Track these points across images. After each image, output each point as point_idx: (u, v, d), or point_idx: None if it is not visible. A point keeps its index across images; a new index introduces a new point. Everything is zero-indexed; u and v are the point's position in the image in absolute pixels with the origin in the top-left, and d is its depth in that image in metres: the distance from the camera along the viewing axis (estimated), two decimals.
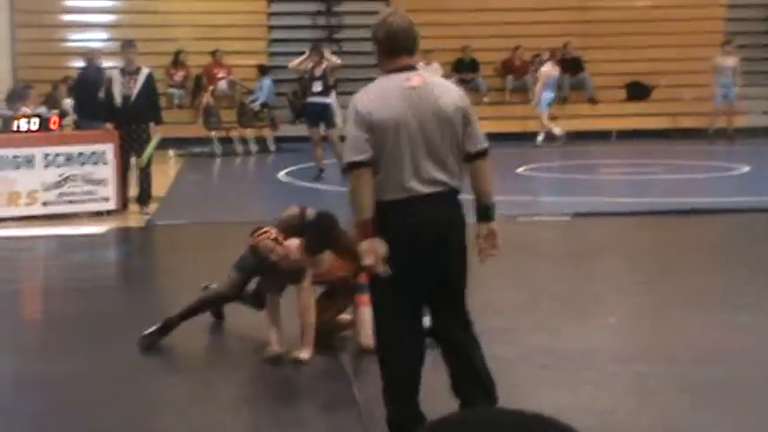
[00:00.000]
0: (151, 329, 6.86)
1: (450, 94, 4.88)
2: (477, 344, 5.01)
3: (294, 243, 6.63)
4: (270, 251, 6.59)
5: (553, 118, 21.51)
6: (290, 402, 5.89)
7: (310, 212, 6.88)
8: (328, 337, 6.87)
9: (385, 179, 4.72)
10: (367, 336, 6.52)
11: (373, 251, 4.69)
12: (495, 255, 5.00)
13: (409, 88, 4.77)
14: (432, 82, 4.93)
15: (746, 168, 16.76)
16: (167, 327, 6.90)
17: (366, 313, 6.58)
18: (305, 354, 6.48)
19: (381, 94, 4.76)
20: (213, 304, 7.24)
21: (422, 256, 4.78)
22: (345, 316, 7.01)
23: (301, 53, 16.98)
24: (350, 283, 6.74)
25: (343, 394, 5.86)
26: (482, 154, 4.91)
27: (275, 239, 6.62)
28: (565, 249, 10.40)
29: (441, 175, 4.77)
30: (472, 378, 4.97)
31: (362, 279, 6.55)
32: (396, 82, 4.79)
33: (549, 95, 21.31)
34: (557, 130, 21.18)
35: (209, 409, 5.75)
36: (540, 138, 21.27)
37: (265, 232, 6.66)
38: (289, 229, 6.76)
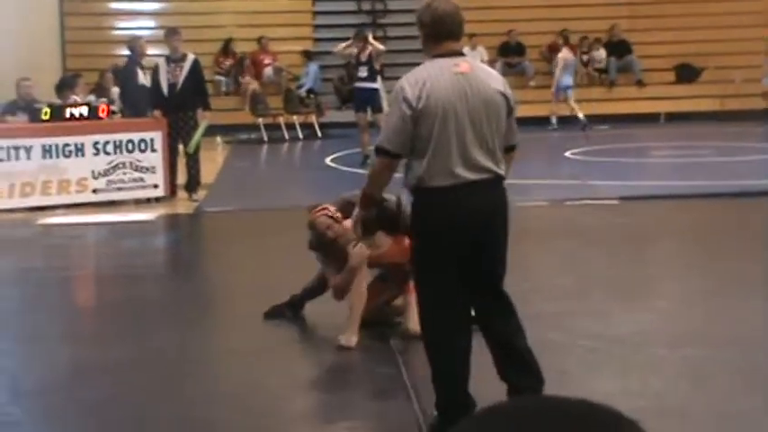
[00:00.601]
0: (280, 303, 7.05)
1: (495, 80, 4.88)
2: (519, 328, 5.01)
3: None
4: (327, 228, 6.54)
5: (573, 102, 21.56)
6: (340, 387, 5.90)
7: None
8: (381, 322, 6.86)
9: (433, 165, 4.71)
10: (416, 322, 6.51)
11: (360, 222, 5.11)
12: None
13: (458, 74, 4.76)
14: (478, 68, 4.93)
15: None
16: (293, 304, 7.06)
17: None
18: (345, 339, 6.45)
19: (429, 80, 4.74)
20: (317, 287, 7.09)
21: (468, 243, 4.78)
22: (399, 302, 7.00)
23: (346, 39, 16.97)
24: (403, 270, 6.71)
25: (393, 379, 5.86)
26: (514, 147, 4.99)
27: (333, 217, 6.59)
28: (613, 233, 10.32)
29: (488, 162, 4.77)
30: (517, 363, 4.97)
31: None
32: (443, 67, 4.77)
33: (567, 80, 21.32)
34: (553, 118, 21.47)
35: (260, 396, 5.78)
36: (554, 120, 21.36)
37: (324, 209, 6.63)
38: (347, 207, 6.73)
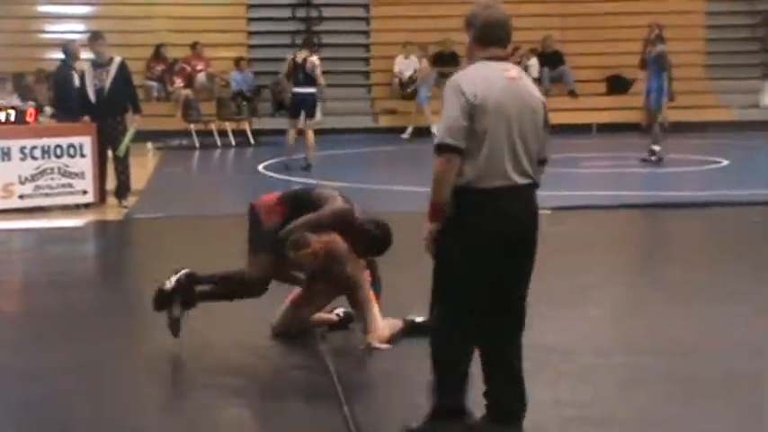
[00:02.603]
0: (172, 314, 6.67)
1: (537, 91, 4.96)
2: (520, 349, 5.03)
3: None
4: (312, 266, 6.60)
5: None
6: (271, 395, 5.89)
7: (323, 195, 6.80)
8: (309, 332, 6.86)
9: (486, 165, 4.73)
10: (377, 336, 6.50)
11: (432, 238, 4.79)
12: None
13: (509, 79, 4.84)
14: (524, 76, 4.99)
15: (725, 162, 16.86)
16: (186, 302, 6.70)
17: (377, 310, 6.57)
18: (377, 339, 6.52)
19: (484, 78, 4.80)
20: (238, 293, 6.77)
21: (506, 252, 4.80)
22: (324, 315, 6.98)
23: (281, 45, 16.99)
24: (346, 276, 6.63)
25: (324, 386, 5.86)
26: (545, 162, 5.02)
27: (315, 253, 6.56)
28: (545, 243, 10.35)
29: (530, 169, 4.85)
30: (511, 385, 4.96)
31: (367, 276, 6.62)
32: (496, 71, 4.84)
33: (426, 92, 22.00)
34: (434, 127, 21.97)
35: (190, 403, 5.74)
36: (409, 131, 21.91)
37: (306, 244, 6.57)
38: (295, 203, 6.71)
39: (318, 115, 17.29)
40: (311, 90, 16.42)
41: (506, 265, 4.83)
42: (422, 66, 22.36)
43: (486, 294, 4.83)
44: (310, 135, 16.36)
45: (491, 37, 4.91)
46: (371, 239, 6.57)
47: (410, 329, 6.63)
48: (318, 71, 16.38)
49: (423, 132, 21.27)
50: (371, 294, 6.65)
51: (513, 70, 4.89)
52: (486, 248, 4.76)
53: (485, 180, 4.73)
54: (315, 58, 16.46)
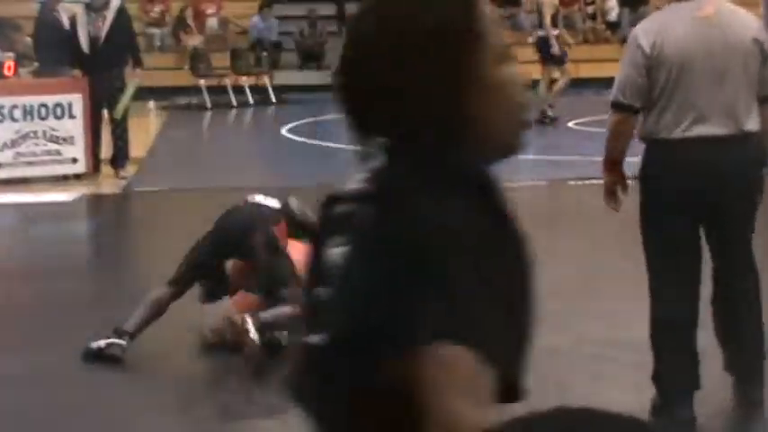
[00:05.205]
0: None
1: (746, 24, 5.11)
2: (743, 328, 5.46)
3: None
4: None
5: None
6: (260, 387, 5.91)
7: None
8: None
9: (665, 116, 5.01)
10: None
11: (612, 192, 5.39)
12: None
13: (700, 18, 4.99)
14: (726, 10, 5.12)
15: None
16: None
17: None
18: None
19: (666, 25, 5.02)
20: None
21: (699, 204, 5.06)
22: None
23: None
24: None
25: None
26: None
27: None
28: (626, 218, 10.28)
29: (729, 118, 5.00)
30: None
31: None
32: (685, 11, 5.03)
33: None
34: None
35: (198, 413, 5.75)
36: None
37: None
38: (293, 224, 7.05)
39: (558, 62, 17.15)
40: (540, 33, 16.58)
41: (698, 226, 5.12)
42: None
43: (683, 245, 5.12)
44: (558, 83, 16.63)
45: None
46: None
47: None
48: (545, 9, 16.45)
49: None
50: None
51: (708, 6, 5.00)
52: (669, 203, 5.05)
53: (664, 131, 5.01)
54: None
